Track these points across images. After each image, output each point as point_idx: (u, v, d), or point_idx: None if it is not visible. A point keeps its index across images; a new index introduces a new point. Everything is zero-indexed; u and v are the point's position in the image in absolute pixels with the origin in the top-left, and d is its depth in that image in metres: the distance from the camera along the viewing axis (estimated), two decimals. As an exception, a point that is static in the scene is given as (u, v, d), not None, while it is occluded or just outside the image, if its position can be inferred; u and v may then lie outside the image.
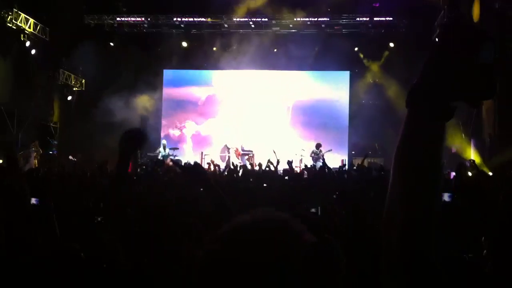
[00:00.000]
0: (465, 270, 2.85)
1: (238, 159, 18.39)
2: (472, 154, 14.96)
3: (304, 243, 1.17)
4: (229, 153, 19.30)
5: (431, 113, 1.10)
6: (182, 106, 22.50)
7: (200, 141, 21.82)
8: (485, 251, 2.05)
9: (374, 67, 21.24)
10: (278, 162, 13.02)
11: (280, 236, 1.15)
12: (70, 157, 17.78)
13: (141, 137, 2.91)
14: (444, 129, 1.12)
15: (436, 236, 1.12)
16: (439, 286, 1.10)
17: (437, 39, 1.13)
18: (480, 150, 14.85)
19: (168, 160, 17.26)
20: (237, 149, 19.11)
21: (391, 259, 1.13)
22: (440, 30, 1.10)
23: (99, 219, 4.22)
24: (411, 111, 1.13)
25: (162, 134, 22.21)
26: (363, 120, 19.67)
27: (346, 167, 16.98)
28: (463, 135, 16.13)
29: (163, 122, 22.65)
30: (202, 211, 4.24)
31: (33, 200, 4.59)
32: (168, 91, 22.80)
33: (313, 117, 21.90)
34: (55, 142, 19.69)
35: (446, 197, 5.32)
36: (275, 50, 21.69)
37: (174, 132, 19.13)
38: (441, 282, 1.10)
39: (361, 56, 21.46)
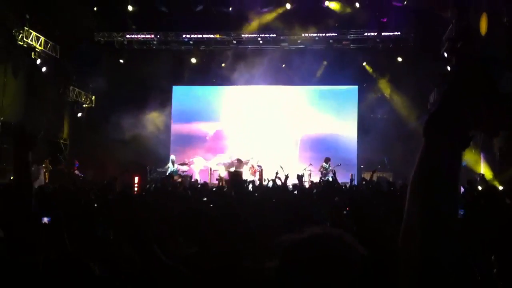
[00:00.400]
0: (471, 278, 2.84)
1: (254, 176, 18.13)
2: (482, 168, 14.86)
3: (359, 254, 1.23)
4: (241, 167, 18.99)
5: (451, 143, 1.11)
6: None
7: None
8: (493, 264, 2.04)
9: (383, 81, 21.23)
10: (287, 177, 12.98)
11: (338, 249, 1.21)
12: (77, 172, 17.89)
13: (25, 137, 2.86)
14: (462, 157, 1.13)
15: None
16: None
17: (457, 69, 1.14)
18: (490, 163, 14.76)
19: (177, 177, 17.28)
20: (252, 166, 18.88)
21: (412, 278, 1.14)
22: (463, 60, 1.10)
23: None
24: (430, 140, 1.15)
25: (171, 150, 22.25)
26: (371, 134, 19.62)
27: (355, 181, 16.95)
28: (473, 148, 16.05)
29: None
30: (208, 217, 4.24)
31: (45, 219, 4.61)
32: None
33: (321, 132, 21.89)
34: (63, 159, 19.74)
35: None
36: (284, 65, 21.74)
37: (183, 168, 19.14)
38: None
39: (369, 70, 21.48)
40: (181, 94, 23.40)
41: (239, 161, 19.09)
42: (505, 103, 1.06)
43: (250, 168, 18.66)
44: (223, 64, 22.10)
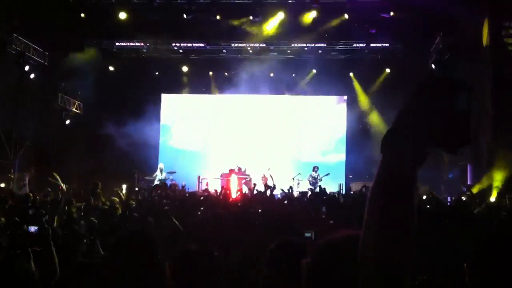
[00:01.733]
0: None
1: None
2: (469, 180, 14.97)
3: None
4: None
5: (407, 158, 1.13)
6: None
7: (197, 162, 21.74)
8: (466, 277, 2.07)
9: (371, 92, 21.37)
10: (274, 187, 13.01)
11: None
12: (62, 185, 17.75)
13: None
14: (416, 173, 1.15)
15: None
16: None
17: (414, 87, 1.15)
18: (478, 175, 14.85)
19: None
20: (264, 175, 18.76)
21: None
22: (418, 80, 1.14)
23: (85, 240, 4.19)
24: (386, 155, 1.17)
25: (159, 158, 22.20)
26: (360, 144, 19.71)
27: (343, 191, 17.00)
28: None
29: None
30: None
31: (32, 228, 4.58)
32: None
33: (310, 141, 21.98)
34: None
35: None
36: (272, 75, 21.80)
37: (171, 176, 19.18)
38: None
39: (356, 81, 21.62)
40: (170, 102, 23.38)
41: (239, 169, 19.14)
42: (461, 121, 1.08)
43: (262, 177, 18.59)
44: (210, 73, 22.15)
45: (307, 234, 5.47)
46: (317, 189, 13.91)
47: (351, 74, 21.54)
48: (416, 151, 1.13)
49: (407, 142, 1.13)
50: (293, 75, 21.63)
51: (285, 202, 11.35)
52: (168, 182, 18.09)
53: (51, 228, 4.34)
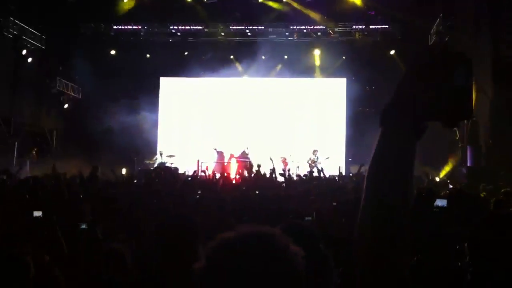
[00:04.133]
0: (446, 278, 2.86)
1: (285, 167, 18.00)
2: (469, 161, 14.96)
3: (290, 256, 1.17)
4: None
5: (406, 131, 1.12)
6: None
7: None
8: (467, 257, 2.06)
9: (370, 74, 21.25)
10: (274, 169, 13.01)
11: (264, 251, 1.15)
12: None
13: None
14: (415, 147, 1.13)
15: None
16: None
17: (413, 59, 1.13)
18: (476, 157, 14.85)
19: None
20: (284, 158, 18.84)
21: (364, 273, 1.14)
22: (417, 52, 1.12)
23: (83, 226, 4.19)
24: (385, 129, 1.16)
25: (159, 142, 22.19)
26: (360, 127, 19.67)
27: (343, 173, 17.02)
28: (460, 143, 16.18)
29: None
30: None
31: (36, 213, 4.57)
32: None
33: (310, 124, 21.94)
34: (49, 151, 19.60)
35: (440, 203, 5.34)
36: (272, 58, 21.68)
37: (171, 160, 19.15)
38: None
39: (356, 64, 21.50)
40: (168, 85, 23.30)
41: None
42: (460, 94, 1.06)
43: (282, 161, 18.63)
44: (209, 56, 22.03)
45: (308, 218, 5.47)
46: (315, 172, 13.89)
47: (343, 57, 21.36)
48: (415, 125, 1.12)
49: (406, 116, 1.11)
50: (292, 57, 21.48)
51: (283, 185, 11.35)
52: (168, 165, 18.09)
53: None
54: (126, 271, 2.89)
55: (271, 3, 20.01)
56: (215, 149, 19.78)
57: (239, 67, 21.78)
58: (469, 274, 2.01)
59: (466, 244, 2.05)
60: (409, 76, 1.11)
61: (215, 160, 19.48)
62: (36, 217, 4.54)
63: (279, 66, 21.77)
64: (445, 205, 5.26)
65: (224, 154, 19.48)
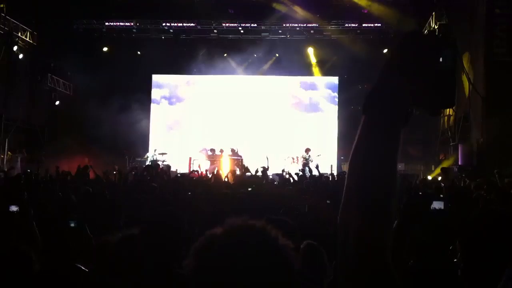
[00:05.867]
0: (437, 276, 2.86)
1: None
2: (460, 160, 15.00)
3: (280, 249, 1.16)
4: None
5: (389, 119, 1.09)
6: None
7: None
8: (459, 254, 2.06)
9: (363, 72, 21.25)
10: (267, 168, 13.02)
11: (254, 244, 1.14)
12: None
13: None
14: (400, 134, 1.11)
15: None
16: None
17: (396, 44, 1.10)
18: (467, 155, 14.89)
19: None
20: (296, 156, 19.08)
21: (347, 265, 1.11)
22: (401, 36, 1.09)
23: (72, 224, 4.17)
24: (368, 116, 1.13)
25: (151, 139, 22.14)
26: (352, 126, 19.70)
27: (334, 173, 17.03)
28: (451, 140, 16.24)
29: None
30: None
31: (13, 207, 4.56)
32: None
33: (302, 122, 21.96)
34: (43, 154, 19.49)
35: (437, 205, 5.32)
36: (264, 55, 21.67)
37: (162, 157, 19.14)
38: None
39: (348, 62, 21.52)
40: (160, 82, 23.24)
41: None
42: (445, 80, 1.04)
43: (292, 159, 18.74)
44: (202, 53, 21.99)
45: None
46: (307, 171, 13.89)
47: (335, 57, 21.38)
48: (399, 111, 1.09)
49: (390, 102, 1.09)
50: (285, 55, 21.47)
51: (275, 183, 11.37)
52: (160, 164, 18.02)
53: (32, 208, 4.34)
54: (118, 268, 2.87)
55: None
56: (206, 149, 19.67)
57: (231, 64, 21.73)
58: (460, 271, 2.00)
59: (457, 241, 2.05)
60: (393, 61, 1.09)
61: (206, 157, 19.35)
62: (12, 211, 4.54)
63: (272, 64, 21.77)
64: (442, 208, 5.24)
65: (216, 151, 19.39)
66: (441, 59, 1.03)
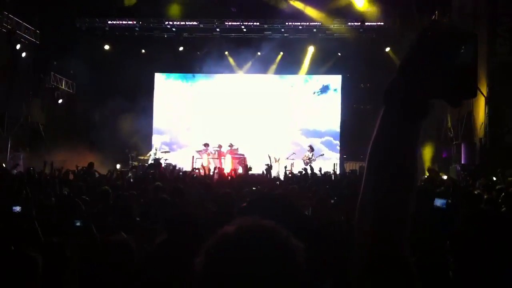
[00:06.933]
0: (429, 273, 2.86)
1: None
2: (463, 159, 14.99)
3: (291, 249, 1.17)
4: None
5: (409, 111, 1.09)
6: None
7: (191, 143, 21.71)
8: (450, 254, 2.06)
9: (366, 71, 21.24)
10: (270, 167, 13.04)
11: (265, 244, 1.15)
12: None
13: None
14: (420, 126, 1.10)
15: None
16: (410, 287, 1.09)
17: (417, 37, 1.10)
18: (470, 155, 14.88)
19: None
20: (306, 155, 18.91)
21: (363, 261, 1.11)
22: (422, 29, 1.09)
23: (78, 224, 4.18)
24: (388, 108, 1.12)
25: (153, 138, 22.15)
26: (354, 124, 19.71)
27: (337, 171, 17.04)
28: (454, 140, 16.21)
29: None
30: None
31: (16, 208, 4.56)
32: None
33: (305, 121, 21.96)
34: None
35: (439, 203, 5.31)
36: (267, 54, 21.65)
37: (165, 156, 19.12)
38: (414, 283, 1.08)
39: (352, 61, 21.51)
40: (163, 81, 23.25)
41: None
42: (466, 72, 1.04)
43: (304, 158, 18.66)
44: (205, 52, 21.99)
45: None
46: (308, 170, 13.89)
47: (339, 54, 21.36)
48: (419, 103, 1.08)
49: (410, 93, 1.08)
50: (287, 54, 21.48)
51: (277, 182, 11.36)
52: (162, 162, 18.05)
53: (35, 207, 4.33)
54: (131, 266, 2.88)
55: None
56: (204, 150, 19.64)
57: (234, 63, 21.74)
58: (451, 272, 2.00)
59: (448, 242, 2.04)
60: (414, 53, 1.09)
61: (210, 156, 19.34)
62: (15, 212, 4.54)
63: (274, 63, 21.76)
64: (444, 206, 5.23)
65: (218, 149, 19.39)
66: (462, 53, 1.03)
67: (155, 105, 22.88)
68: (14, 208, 4.61)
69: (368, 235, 1.10)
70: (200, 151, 18.92)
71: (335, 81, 22.32)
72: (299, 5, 19.80)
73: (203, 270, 1.15)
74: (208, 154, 18.72)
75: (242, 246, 1.14)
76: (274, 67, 21.86)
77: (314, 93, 22.31)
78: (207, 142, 19.00)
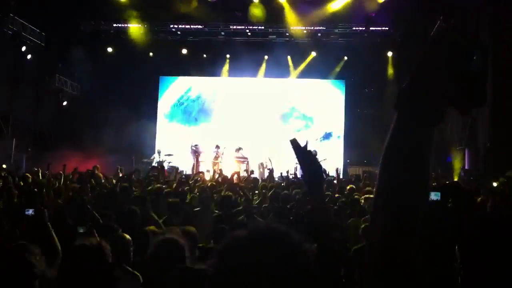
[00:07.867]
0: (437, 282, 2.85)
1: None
2: (467, 164, 14.98)
3: (303, 254, 1.17)
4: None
5: (421, 117, 1.09)
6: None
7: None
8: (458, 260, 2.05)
9: (369, 76, 21.22)
10: (272, 170, 13.03)
11: (277, 248, 1.15)
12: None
13: None
14: (433, 132, 1.11)
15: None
16: None
17: (429, 43, 1.10)
18: (474, 160, 14.86)
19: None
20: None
21: (374, 265, 1.12)
22: (433, 35, 1.08)
23: (81, 230, 4.18)
24: (400, 114, 1.12)
25: (157, 141, 22.16)
26: (358, 129, 19.68)
27: (341, 176, 16.99)
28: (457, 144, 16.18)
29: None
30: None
31: (29, 211, 4.56)
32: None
33: (308, 125, 21.94)
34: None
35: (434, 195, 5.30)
36: (271, 58, 21.66)
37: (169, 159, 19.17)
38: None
39: (355, 65, 21.50)
40: (168, 84, 23.27)
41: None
42: (477, 80, 1.04)
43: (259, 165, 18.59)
44: (207, 55, 22.04)
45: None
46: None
47: (345, 57, 21.36)
48: (432, 109, 1.08)
49: (423, 99, 1.08)
50: (291, 58, 21.50)
51: (283, 184, 11.37)
52: (166, 165, 18.04)
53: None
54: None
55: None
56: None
57: (238, 66, 21.75)
58: (459, 278, 1.99)
59: (456, 247, 2.04)
60: (426, 59, 1.09)
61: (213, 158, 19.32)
62: (28, 215, 4.54)
63: (280, 67, 21.75)
64: (439, 199, 5.20)
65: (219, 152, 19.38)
66: (473, 60, 1.03)
67: (159, 107, 22.91)
68: (27, 211, 4.60)
69: (380, 240, 1.11)
70: (197, 152, 18.99)
71: (339, 85, 22.27)
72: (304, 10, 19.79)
73: (216, 273, 1.15)
74: (217, 158, 18.75)
75: (255, 249, 1.14)
76: (277, 71, 21.81)
77: (317, 97, 22.26)
78: (218, 144, 19.09)
